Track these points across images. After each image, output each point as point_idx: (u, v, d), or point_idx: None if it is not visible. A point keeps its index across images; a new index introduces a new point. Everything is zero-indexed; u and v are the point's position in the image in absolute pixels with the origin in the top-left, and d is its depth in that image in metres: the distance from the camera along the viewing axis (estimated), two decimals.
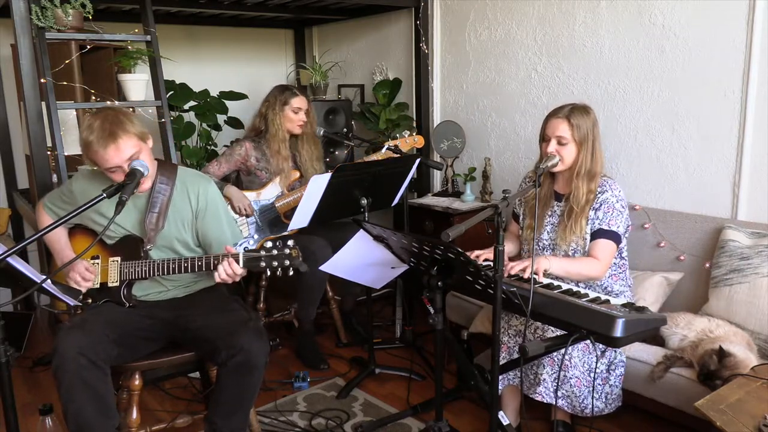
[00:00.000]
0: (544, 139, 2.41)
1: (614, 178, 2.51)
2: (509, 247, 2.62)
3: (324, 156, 3.84)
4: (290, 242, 2.05)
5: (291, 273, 2.05)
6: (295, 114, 3.25)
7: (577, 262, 2.35)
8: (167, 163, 2.29)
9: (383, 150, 3.17)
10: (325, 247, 3.02)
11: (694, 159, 2.81)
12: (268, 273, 2.05)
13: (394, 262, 2.37)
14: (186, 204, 2.25)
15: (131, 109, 3.25)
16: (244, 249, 2.08)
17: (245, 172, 3.30)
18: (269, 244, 2.06)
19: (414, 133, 3.33)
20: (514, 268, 2.25)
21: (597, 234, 2.36)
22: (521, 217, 2.62)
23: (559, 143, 2.35)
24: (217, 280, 2.09)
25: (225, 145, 3.68)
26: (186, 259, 2.14)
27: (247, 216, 3.16)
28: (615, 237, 2.35)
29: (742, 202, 2.67)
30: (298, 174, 3.29)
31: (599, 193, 2.37)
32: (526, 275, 2.20)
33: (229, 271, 2.06)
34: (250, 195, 3.19)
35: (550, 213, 2.48)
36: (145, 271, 2.16)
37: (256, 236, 3.15)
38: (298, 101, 3.26)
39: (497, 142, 3.66)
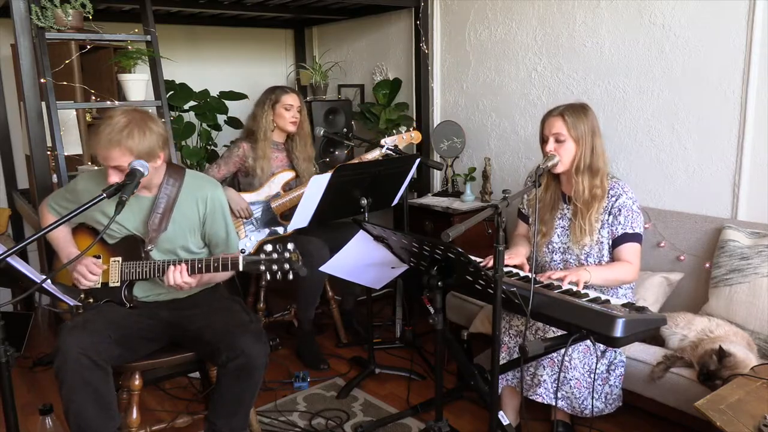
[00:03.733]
0: (543, 140, 2.40)
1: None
2: (522, 250, 2.61)
3: (323, 156, 3.85)
4: (290, 246, 2.05)
5: (291, 277, 2.05)
6: (287, 111, 3.24)
7: (614, 268, 2.34)
8: (175, 166, 2.28)
9: (383, 150, 3.15)
10: (322, 248, 3.02)
11: (694, 159, 2.81)
12: (268, 277, 2.05)
13: (394, 262, 2.37)
14: (194, 208, 2.25)
15: None
16: (243, 252, 2.07)
17: (243, 173, 3.29)
18: (269, 248, 2.05)
19: (411, 129, 3.31)
20: (552, 277, 2.23)
21: (623, 238, 2.35)
22: (530, 221, 2.61)
23: (557, 141, 2.34)
24: (166, 284, 2.12)
25: (225, 145, 3.68)
26: (186, 261, 2.14)
27: (246, 218, 3.15)
28: (639, 238, 2.37)
29: (742, 202, 2.67)
30: (293, 174, 3.28)
31: (613, 197, 2.36)
32: (565, 285, 2.19)
33: (177, 279, 2.08)
34: (248, 197, 3.18)
35: (559, 216, 2.47)
36: (146, 271, 2.16)
37: (252, 238, 3.15)
38: (290, 98, 3.25)
39: (497, 142, 3.66)
